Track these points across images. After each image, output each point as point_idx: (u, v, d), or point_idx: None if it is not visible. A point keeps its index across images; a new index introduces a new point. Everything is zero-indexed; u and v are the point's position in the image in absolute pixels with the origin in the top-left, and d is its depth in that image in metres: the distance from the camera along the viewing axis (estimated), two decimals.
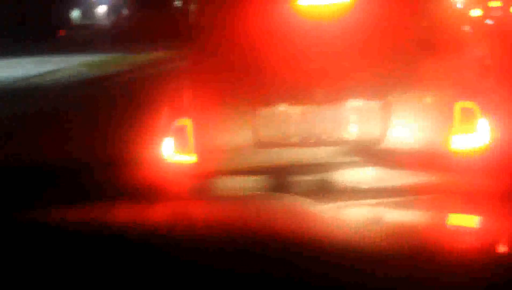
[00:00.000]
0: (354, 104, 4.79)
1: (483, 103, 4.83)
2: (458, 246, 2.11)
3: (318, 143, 4.81)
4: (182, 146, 4.88)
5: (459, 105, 4.76)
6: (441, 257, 1.86)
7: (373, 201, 3.62)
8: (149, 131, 5.60)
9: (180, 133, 4.89)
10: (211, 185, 4.60)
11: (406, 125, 4.79)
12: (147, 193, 4.27)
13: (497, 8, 35.07)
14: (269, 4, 5.25)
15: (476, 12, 33.59)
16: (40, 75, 23.03)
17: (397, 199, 4.00)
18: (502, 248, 2.10)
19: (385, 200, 3.77)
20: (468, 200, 3.53)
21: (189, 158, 4.88)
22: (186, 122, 4.90)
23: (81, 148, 8.67)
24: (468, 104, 4.78)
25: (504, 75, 7.72)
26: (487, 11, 34.75)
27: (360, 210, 3.04)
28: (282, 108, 4.84)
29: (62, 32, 42.29)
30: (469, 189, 4.32)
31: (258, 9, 5.20)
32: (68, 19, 50.77)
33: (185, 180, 4.68)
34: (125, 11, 53.53)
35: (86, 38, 38.02)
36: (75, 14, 54.54)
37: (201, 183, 4.59)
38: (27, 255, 1.87)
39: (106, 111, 12.37)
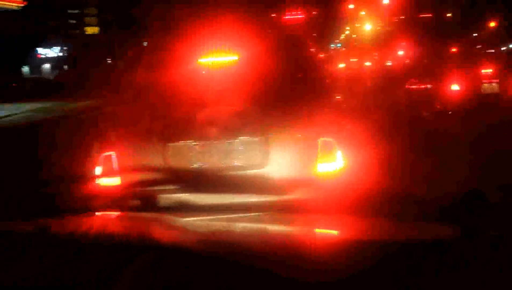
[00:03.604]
0: (240, 139, 4.91)
1: (339, 138, 5.00)
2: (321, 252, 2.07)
3: (214, 169, 4.90)
4: (109, 172, 4.90)
5: (321, 140, 4.93)
6: (307, 260, 1.83)
7: (255, 214, 3.53)
8: (85, 159, 5.55)
9: (107, 162, 4.92)
10: (130, 201, 4.45)
11: (282, 154, 4.90)
12: (83, 208, 4.22)
13: (355, 62, 36.70)
14: (178, 62, 5.36)
15: (341, 65, 35.37)
16: None
17: (275, 213, 3.94)
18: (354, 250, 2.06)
19: (264, 213, 3.78)
20: (328, 212, 3.56)
21: (115, 181, 4.87)
22: (112, 154, 4.93)
23: (32, 174, 8.51)
24: (328, 139, 4.94)
25: (355, 114, 8.02)
26: (348, 64, 36.44)
27: (244, 223, 2.97)
28: (186, 142, 4.92)
29: (14, 84, 40.98)
30: (330, 202, 4.43)
31: (171, 66, 5.30)
32: (19, 73, 49.51)
33: (112, 198, 4.64)
34: (66, 67, 52.66)
35: (33, 89, 37.05)
36: (25, 69, 53.32)
37: (123, 199, 4.46)
38: None
39: (53, 145, 12.20)
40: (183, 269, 1.74)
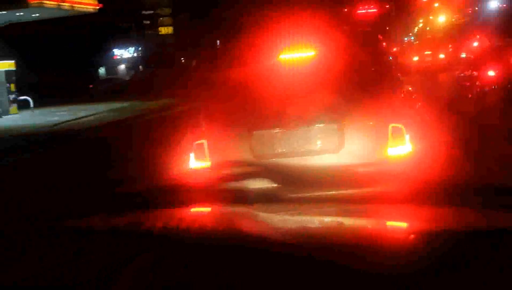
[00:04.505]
0: (318, 126, 5.39)
1: (407, 124, 5.41)
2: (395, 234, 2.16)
3: (295, 153, 5.38)
4: (201, 158, 5.46)
5: (391, 126, 5.35)
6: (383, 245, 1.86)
7: (333, 192, 3.64)
8: (176, 149, 6.06)
9: (199, 149, 5.48)
10: (220, 186, 4.62)
11: (356, 139, 5.36)
12: (179, 195, 4.26)
13: (428, 55, 36.58)
14: (259, 57, 5.88)
15: (415, 58, 35.54)
16: (77, 119, 23.35)
17: (349, 192, 3.94)
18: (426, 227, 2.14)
19: (341, 192, 4.02)
20: (398, 193, 3.81)
21: (205, 166, 5.42)
22: (203, 142, 5.48)
23: (122, 167, 8.95)
24: (398, 125, 5.36)
25: (426, 103, 8.16)
26: (422, 57, 36.40)
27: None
28: (270, 131, 5.43)
29: (91, 86, 42.14)
30: (399, 183, 4.65)
31: (253, 62, 5.84)
32: (96, 75, 50.73)
33: (203, 182, 4.87)
34: (141, 68, 53.67)
35: (110, 90, 38.03)
36: (101, 71, 54.53)
37: (213, 184, 4.68)
38: (79, 258, 1.94)
39: (136, 141, 12.68)
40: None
